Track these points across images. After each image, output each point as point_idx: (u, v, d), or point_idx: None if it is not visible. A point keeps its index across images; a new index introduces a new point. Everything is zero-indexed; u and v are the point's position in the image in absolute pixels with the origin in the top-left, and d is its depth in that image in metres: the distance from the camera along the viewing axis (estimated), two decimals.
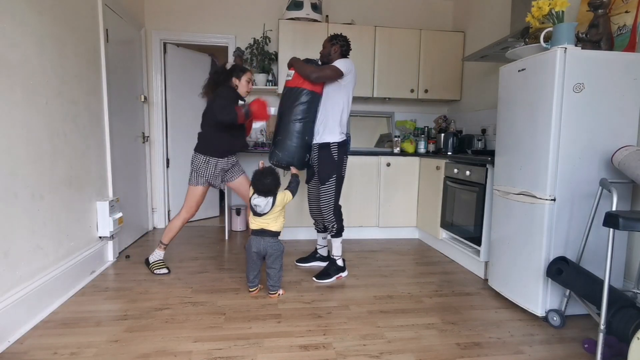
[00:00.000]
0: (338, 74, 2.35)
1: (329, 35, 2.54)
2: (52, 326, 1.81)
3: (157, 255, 2.57)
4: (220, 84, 2.53)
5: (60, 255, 2.10)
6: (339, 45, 2.46)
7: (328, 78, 2.36)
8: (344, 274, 2.55)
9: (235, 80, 2.55)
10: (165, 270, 2.54)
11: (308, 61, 2.45)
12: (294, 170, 2.42)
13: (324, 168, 2.46)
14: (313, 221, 2.78)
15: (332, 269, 2.51)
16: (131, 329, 1.81)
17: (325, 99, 2.45)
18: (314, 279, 2.47)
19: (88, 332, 1.76)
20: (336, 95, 2.43)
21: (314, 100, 2.43)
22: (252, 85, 2.63)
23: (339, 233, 2.51)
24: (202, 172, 2.51)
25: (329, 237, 2.58)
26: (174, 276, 2.50)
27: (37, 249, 1.89)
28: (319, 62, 2.51)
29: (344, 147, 2.48)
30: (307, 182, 2.70)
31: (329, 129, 2.44)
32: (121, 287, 2.29)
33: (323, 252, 2.79)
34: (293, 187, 2.31)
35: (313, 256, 2.80)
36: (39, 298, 1.88)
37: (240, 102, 2.54)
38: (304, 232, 3.51)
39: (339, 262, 2.53)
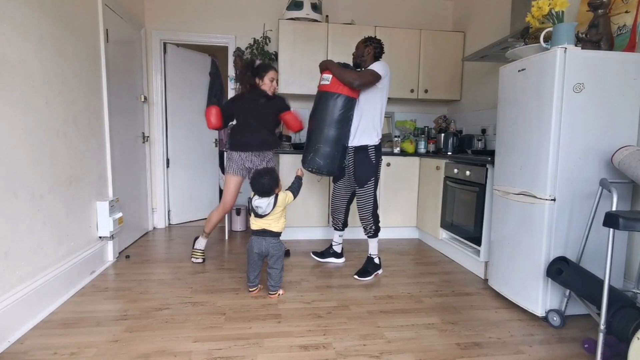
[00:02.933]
0: (377, 79, 2.35)
1: (364, 37, 2.54)
2: (52, 326, 1.81)
3: (200, 243, 2.77)
4: (245, 83, 2.62)
5: (60, 255, 2.10)
6: (372, 47, 2.47)
7: (370, 84, 2.35)
8: (380, 272, 2.61)
9: (258, 81, 2.59)
10: (200, 260, 2.73)
11: (345, 66, 2.42)
12: (299, 172, 2.43)
13: (363, 171, 2.48)
14: (332, 219, 2.83)
15: (370, 267, 2.56)
16: (131, 329, 1.81)
17: (362, 102, 2.45)
18: (355, 276, 2.52)
19: (88, 332, 1.76)
20: (373, 98, 2.43)
21: (352, 106, 2.44)
22: (276, 83, 2.66)
23: (376, 233, 2.55)
24: (230, 164, 2.65)
25: (366, 237, 2.62)
26: (174, 276, 2.50)
27: (37, 249, 1.89)
28: (352, 66, 2.49)
29: (380, 149, 2.50)
30: (335, 181, 2.72)
31: (365, 131, 2.46)
32: (121, 287, 2.29)
33: (337, 248, 2.85)
34: (295, 188, 2.31)
35: (328, 252, 2.86)
36: (39, 298, 1.88)
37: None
38: (304, 233, 3.51)
39: (376, 261, 2.59)
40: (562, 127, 1.84)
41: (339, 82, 2.36)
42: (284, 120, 2.68)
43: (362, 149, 2.47)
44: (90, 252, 2.43)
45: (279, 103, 2.66)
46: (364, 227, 2.57)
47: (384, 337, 1.78)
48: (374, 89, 2.42)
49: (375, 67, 2.36)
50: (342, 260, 2.86)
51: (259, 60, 2.76)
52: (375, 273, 2.58)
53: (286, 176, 3.23)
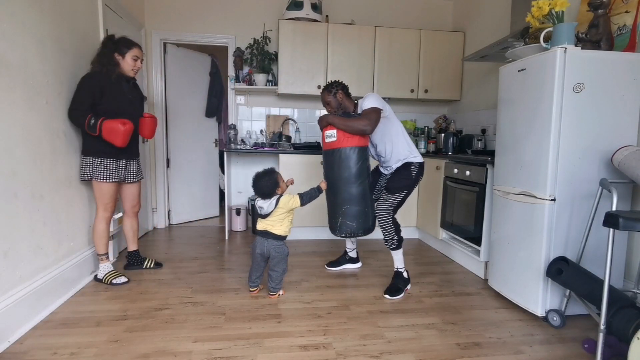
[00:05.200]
0: (379, 113, 2.22)
1: (322, 89, 2.40)
2: (52, 326, 1.81)
3: (106, 267, 2.35)
4: (102, 59, 2.24)
5: (60, 255, 2.10)
6: (340, 91, 2.36)
7: (377, 122, 2.20)
8: (408, 287, 2.38)
9: (117, 57, 2.26)
10: (124, 279, 2.35)
11: (346, 115, 2.25)
12: (322, 184, 2.31)
13: (398, 180, 2.32)
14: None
15: (400, 283, 2.33)
16: (131, 329, 1.81)
17: (383, 135, 2.33)
18: (386, 296, 2.25)
19: (88, 332, 1.76)
20: (389, 127, 2.33)
21: (367, 155, 2.30)
22: (141, 62, 2.35)
23: (399, 244, 2.32)
24: (102, 172, 2.25)
25: (389, 249, 2.38)
26: (174, 276, 2.50)
27: (37, 249, 1.89)
28: (350, 112, 2.35)
29: (423, 168, 2.38)
30: None
31: (403, 154, 2.34)
32: (121, 287, 2.29)
33: (353, 254, 2.77)
34: (305, 195, 2.20)
35: (343, 259, 2.77)
36: (39, 298, 1.87)
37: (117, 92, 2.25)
38: (306, 233, 3.51)
39: (405, 275, 2.38)
40: (562, 127, 1.84)
41: (347, 135, 2.18)
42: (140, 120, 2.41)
43: (405, 166, 2.34)
44: (91, 252, 2.43)
45: (140, 92, 2.39)
46: (385, 239, 2.31)
47: (384, 337, 1.78)
48: (383, 121, 2.30)
49: (371, 102, 2.22)
50: (358, 264, 2.78)
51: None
52: (405, 289, 2.35)
53: (286, 178, 3.23)
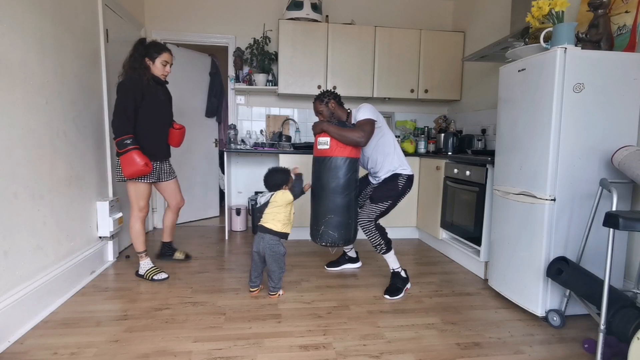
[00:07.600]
0: (374, 125, 2.24)
1: (314, 98, 2.42)
2: (52, 326, 1.81)
3: (146, 263, 2.44)
4: (134, 63, 2.30)
5: (60, 255, 2.10)
6: (332, 100, 2.37)
7: (372, 134, 2.22)
8: (408, 286, 2.37)
9: (148, 61, 2.32)
10: (164, 275, 2.42)
11: (341, 124, 2.24)
12: (296, 170, 2.33)
13: (384, 190, 2.31)
14: None
15: (399, 282, 2.32)
16: (131, 329, 1.80)
17: (375, 146, 2.35)
18: (386, 296, 2.25)
19: (88, 332, 1.76)
20: (382, 138, 2.35)
21: (357, 167, 2.29)
22: (170, 67, 2.40)
23: (388, 247, 2.30)
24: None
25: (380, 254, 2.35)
26: (173, 276, 2.50)
27: (37, 249, 1.89)
28: (345, 122, 2.34)
29: (412, 181, 2.36)
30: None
31: (394, 165, 2.35)
32: (121, 287, 2.29)
33: (352, 253, 2.77)
34: (292, 187, 2.23)
35: (343, 259, 2.77)
36: (39, 298, 1.87)
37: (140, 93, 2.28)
38: (305, 233, 3.50)
39: (403, 274, 2.35)
40: (562, 127, 1.84)
41: (340, 145, 2.19)
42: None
43: (393, 177, 2.34)
44: (90, 252, 2.43)
45: (169, 93, 2.48)
46: (372, 245, 2.30)
47: (384, 337, 1.78)
48: (376, 132, 2.31)
49: (365, 114, 2.24)
50: (358, 264, 2.78)
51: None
52: (405, 288, 2.33)
53: None
